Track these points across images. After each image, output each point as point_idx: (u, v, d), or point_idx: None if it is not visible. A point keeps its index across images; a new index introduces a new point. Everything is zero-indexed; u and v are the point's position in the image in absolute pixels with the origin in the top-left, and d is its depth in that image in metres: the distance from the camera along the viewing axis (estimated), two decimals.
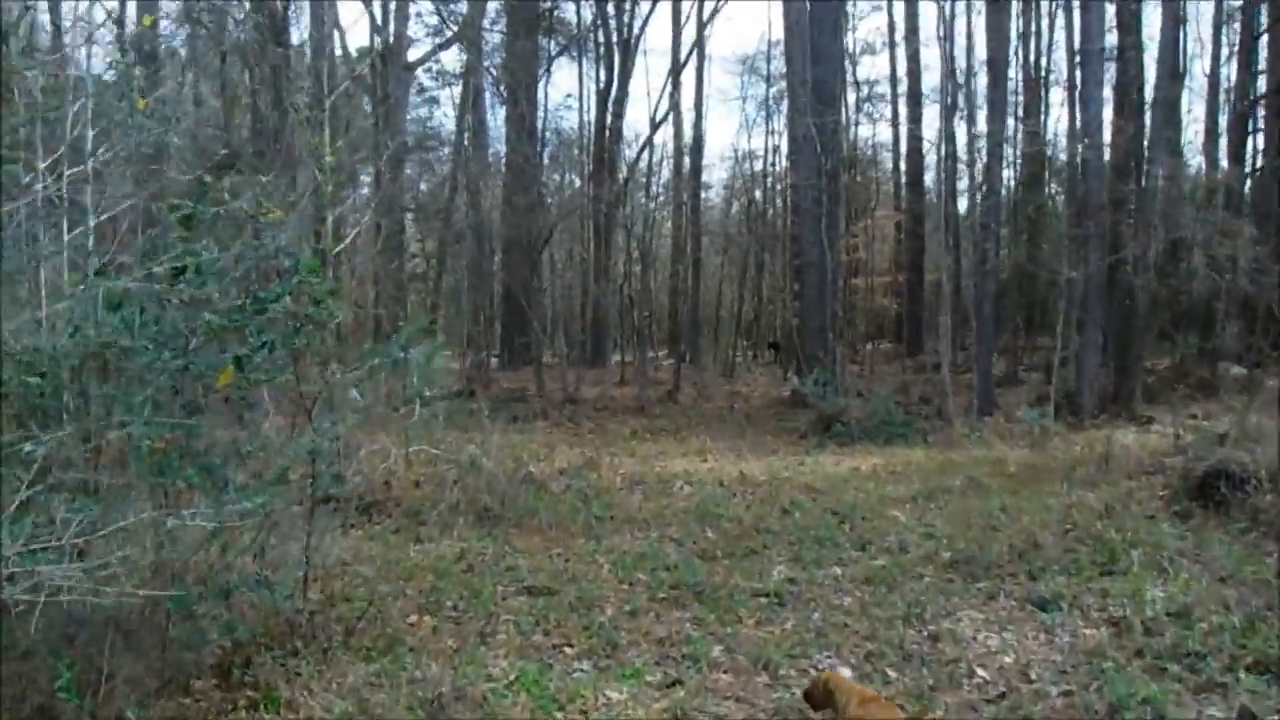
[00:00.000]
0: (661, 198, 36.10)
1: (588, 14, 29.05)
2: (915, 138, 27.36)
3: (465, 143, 23.58)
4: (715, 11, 30.88)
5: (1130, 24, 16.43)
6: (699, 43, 29.62)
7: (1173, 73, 15.54)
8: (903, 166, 33.52)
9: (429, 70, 32.17)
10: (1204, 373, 20.40)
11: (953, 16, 20.06)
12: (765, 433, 14.23)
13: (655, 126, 25.57)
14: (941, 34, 16.82)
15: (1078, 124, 16.60)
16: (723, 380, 24.27)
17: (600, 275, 23.14)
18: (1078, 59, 17.38)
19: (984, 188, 14.22)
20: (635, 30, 28.24)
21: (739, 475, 9.84)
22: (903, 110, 32.28)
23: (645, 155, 29.44)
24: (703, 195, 34.61)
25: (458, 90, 27.75)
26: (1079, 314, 15.76)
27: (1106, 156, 16.22)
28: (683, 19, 25.59)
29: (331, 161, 7.89)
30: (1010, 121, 18.25)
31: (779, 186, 33.88)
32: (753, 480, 9.63)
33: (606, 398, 17.72)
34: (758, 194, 34.55)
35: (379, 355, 7.57)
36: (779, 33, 29.75)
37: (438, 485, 8.17)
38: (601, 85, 26.06)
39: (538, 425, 14.19)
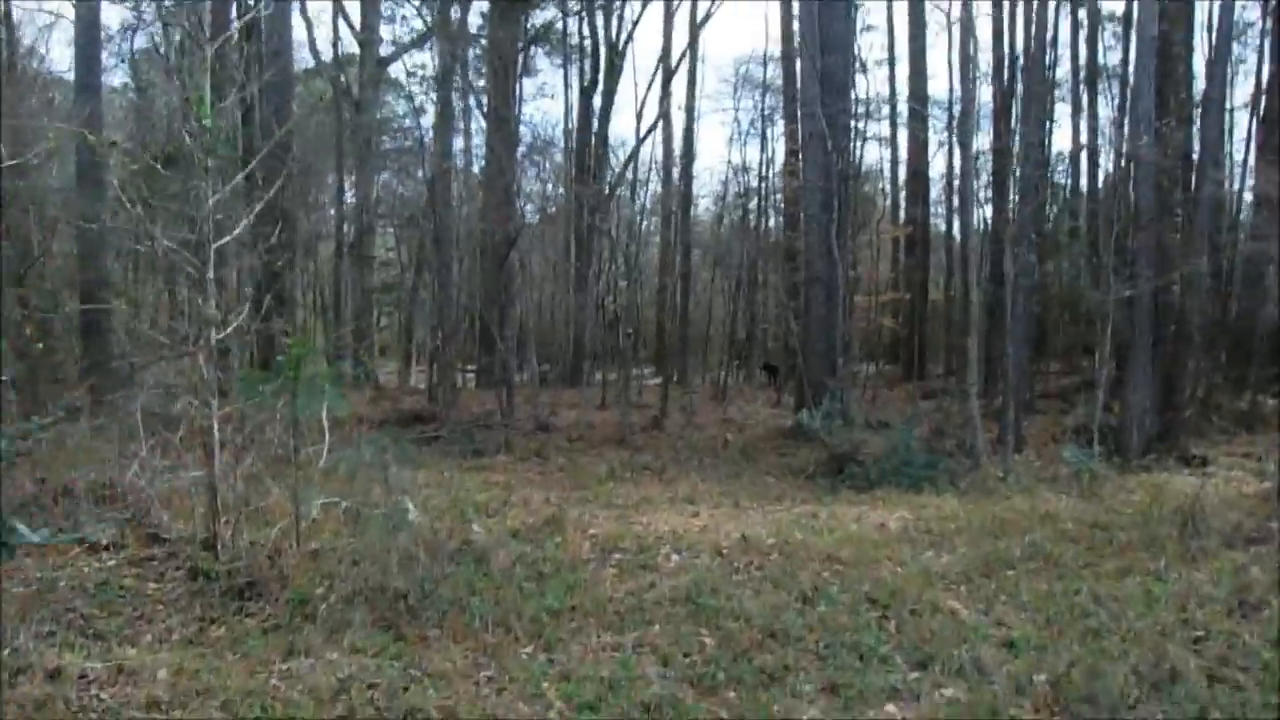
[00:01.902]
0: (649, 208, 34.27)
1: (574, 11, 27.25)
2: (919, 139, 25.40)
3: (427, 138, 21.55)
4: (709, 16, 29.16)
5: (1179, 16, 14.57)
6: (692, 45, 27.83)
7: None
8: (901, 179, 31.78)
9: (415, 76, 30.32)
10: (1238, 404, 18.57)
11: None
12: (766, 472, 12.18)
13: (644, 135, 23.64)
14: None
15: (1082, 136, 14.80)
16: (714, 405, 22.22)
17: (581, 287, 21.10)
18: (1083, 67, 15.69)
19: (1019, 195, 12.23)
20: (623, 33, 26.39)
21: (741, 539, 7.75)
22: (902, 134, 30.63)
23: (633, 164, 27.60)
24: (693, 209, 32.81)
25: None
26: (1124, 339, 13.79)
27: None
28: (674, 23, 23.73)
29: (209, 122, 5.81)
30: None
31: (775, 197, 32.07)
32: (759, 546, 7.55)
33: (584, 424, 15.63)
34: (752, 206, 32.70)
35: (254, 386, 5.58)
36: (775, 40, 28.19)
37: (342, 559, 6.06)
38: (586, 82, 24.08)
39: (499, 460, 12.10)
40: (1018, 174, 12.53)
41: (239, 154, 12.00)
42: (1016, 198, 13.05)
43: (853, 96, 15.00)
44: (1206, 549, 7.61)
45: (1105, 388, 13.34)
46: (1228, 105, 17.91)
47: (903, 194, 31.29)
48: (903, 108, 29.80)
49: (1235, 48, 20.92)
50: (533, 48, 30.85)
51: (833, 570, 6.93)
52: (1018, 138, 12.76)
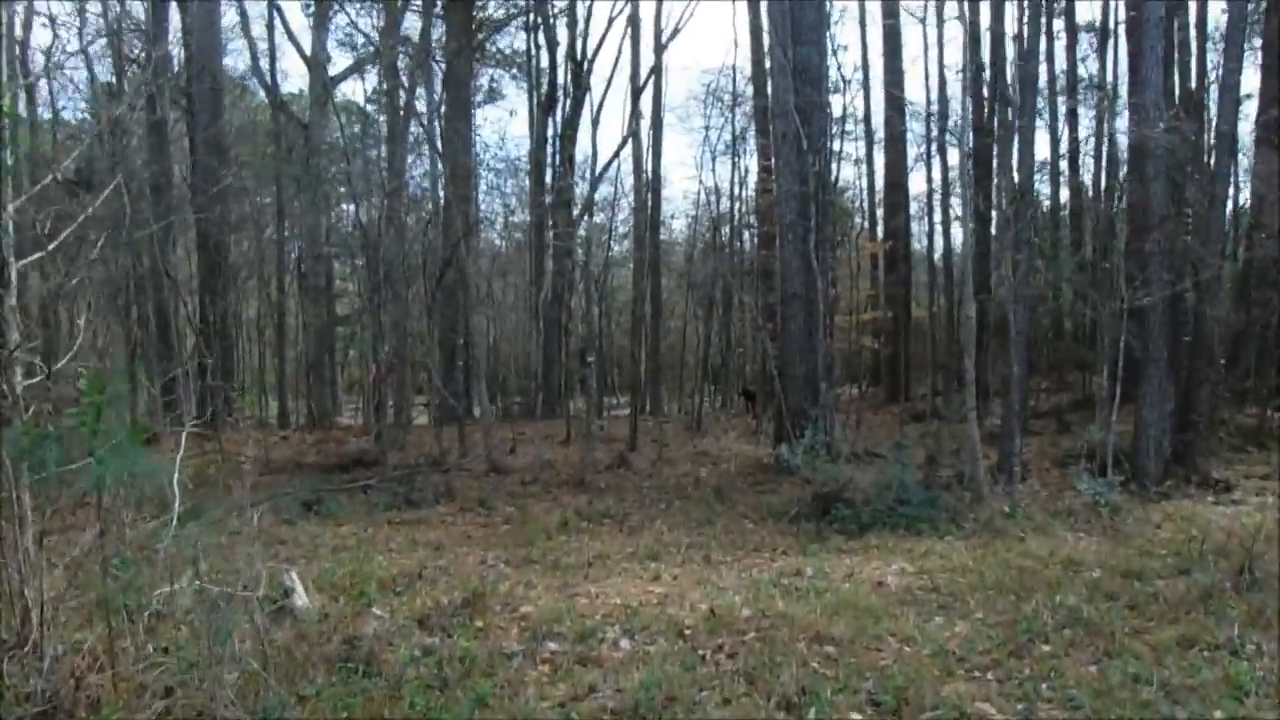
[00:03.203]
0: (620, 230, 32.95)
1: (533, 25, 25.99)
2: (898, 148, 24.26)
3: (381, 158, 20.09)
4: (676, 31, 28.04)
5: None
6: (656, 67, 26.69)
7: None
8: (879, 197, 30.62)
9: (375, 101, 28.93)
10: (1242, 419, 17.33)
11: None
12: (743, 515, 10.70)
13: (613, 156, 22.33)
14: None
15: (1061, 146, 13.62)
16: (688, 435, 20.77)
17: (545, 313, 19.66)
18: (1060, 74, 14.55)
19: (1019, 196, 10.92)
20: (588, 49, 25.18)
21: (709, 613, 6.27)
22: (878, 153, 29.55)
23: (599, 185, 26.28)
24: (666, 231, 31.61)
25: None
26: (1129, 353, 12.47)
27: None
28: (640, 38, 22.47)
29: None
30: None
31: (749, 218, 30.87)
32: (732, 622, 6.08)
33: (541, 464, 14.11)
34: (725, 230, 31.41)
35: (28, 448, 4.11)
36: (746, 47, 27.12)
37: (182, 671, 4.55)
38: (543, 96, 22.78)
39: (437, 511, 10.56)
40: (1015, 169, 11.19)
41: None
42: (1005, 203, 11.71)
43: (826, 90, 13.68)
44: (1273, 605, 6.24)
45: (1112, 406, 12.01)
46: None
47: (880, 210, 30.13)
48: (878, 120, 28.79)
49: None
50: (494, 71, 29.77)
51: (824, 656, 5.47)
52: (1014, 132, 11.45)
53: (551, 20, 24.46)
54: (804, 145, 12.50)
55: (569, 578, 7.41)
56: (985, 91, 22.89)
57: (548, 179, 25.57)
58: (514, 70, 29.98)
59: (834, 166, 27.83)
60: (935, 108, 25.99)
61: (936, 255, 29.35)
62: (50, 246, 5.22)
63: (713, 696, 4.78)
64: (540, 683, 4.99)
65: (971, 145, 13.48)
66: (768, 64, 15.50)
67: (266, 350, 28.16)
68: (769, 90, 15.36)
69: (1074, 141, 26.92)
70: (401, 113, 18.87)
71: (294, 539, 8.69)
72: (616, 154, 24.57)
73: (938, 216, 29.24)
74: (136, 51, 21.34)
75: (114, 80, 20.93)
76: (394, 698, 4.60)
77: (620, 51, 24.35)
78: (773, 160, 14.27)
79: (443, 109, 19.89)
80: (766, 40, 15.93)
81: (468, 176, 19.86)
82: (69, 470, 4.39)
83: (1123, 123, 19.00)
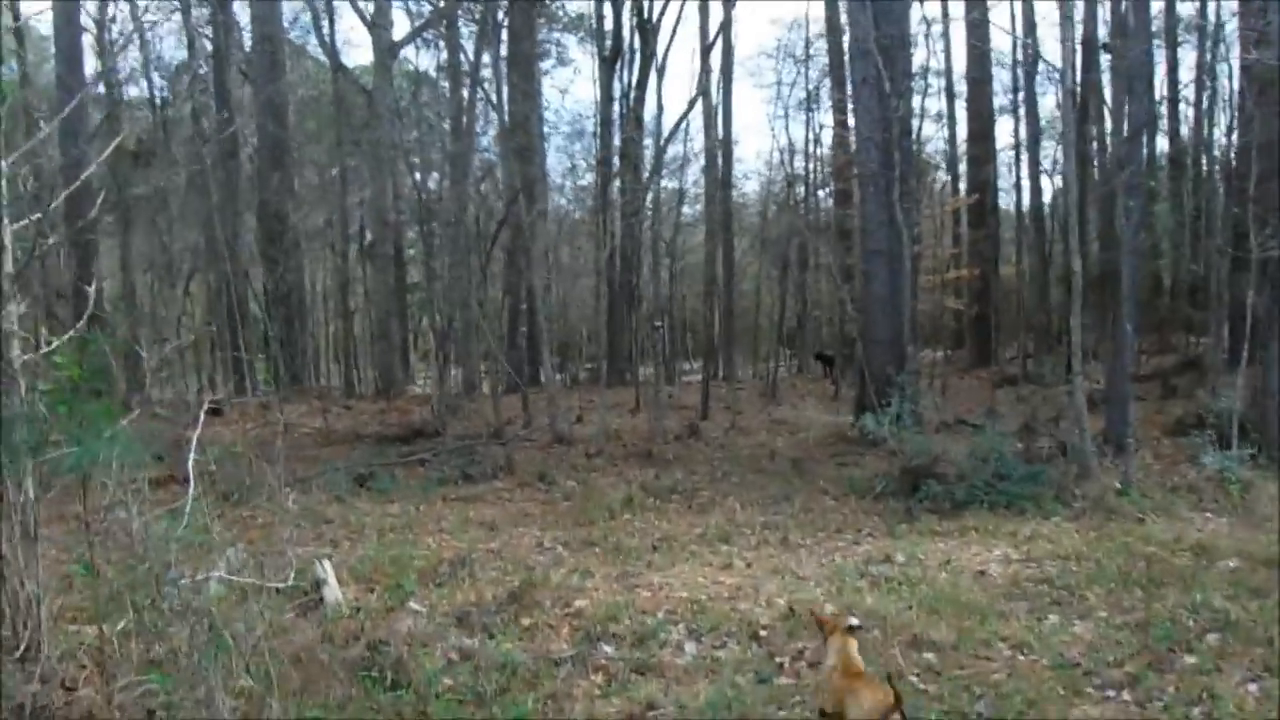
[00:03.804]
0: (691, 193, 31.99)
1: None
2: (983, 94, 22.75)
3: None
4: None
5: None
6: (726, 23, 25.51)
7: None
8: (960, 145, 28.94)
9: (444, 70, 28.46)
10: None
11: None
12: (822, 490, 9.86)
13: (684, 114, 21.36)
14: None
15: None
16: (763, 401, 19.91)
17: (612, 276, 18.94)
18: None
19: (1135, 133, 9.71)
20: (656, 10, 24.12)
21: (787, 610, 5.51)
22: (960, 110, 27.90)
23: (669, 144, 25.31)
24: (737, 192, 30.53)
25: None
26: (1254, 311, 11.17)
27: None
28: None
29: None
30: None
31: (823, 174, 29.61)
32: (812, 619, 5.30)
33: (609, 434, 13.45)
34: (800, 189, 30.17)
35: None
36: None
37: (175, 687, 3.98)
38: (608, 53, 21.89)
39: (494, 486, 9.96)
40: (1127, 103, 9.97)
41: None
42: (1111, 145, 10.49)
43: (909, 27, 12.53)
44: None
45: (1235, 370, 10.78)
46: None
47: (962, 165, 28.50)
48: (958, 73, 27.17)
49: None
50: (560, 34, 29.10)
51: (923, 667, 4.68)
52: (1128, 56, 10.17)
53: None
54: (886, 88, 11.41)
55: (630, 564, 6.72)
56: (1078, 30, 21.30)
57: (614, 139, 24.77)
58: (580, 34, 29.23)
59: (916, 117, 26.48)
60: (1021, 53, 24.41)
61: (1024, 208, 27.79)
62: (36, 215, 4.65)
63: (791, 717, 4.04)
64: (591, 696, 4.32)
65: (1078, 82, 12.17)
66: (842, 11, 14.35)
67: (333, 319, 28.04)
68: (846, 31, 14.24)
69: (1174, 85, 24.95)
70: (466, 69, 18.20)
71: (341, 518, 8.19)
72: (686, 114, 23.56)
73: (1024, 170, 27.51)
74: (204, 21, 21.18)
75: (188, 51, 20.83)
76: (420, 715, 3.97)
77: (682, 3, 23.16)
78: (850, 107, 13.19)
79: (503, 65, 19.17)
80: None
81: (528, 131, 19.13)
82: (50, 456, 3.84)
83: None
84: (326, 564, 5.49)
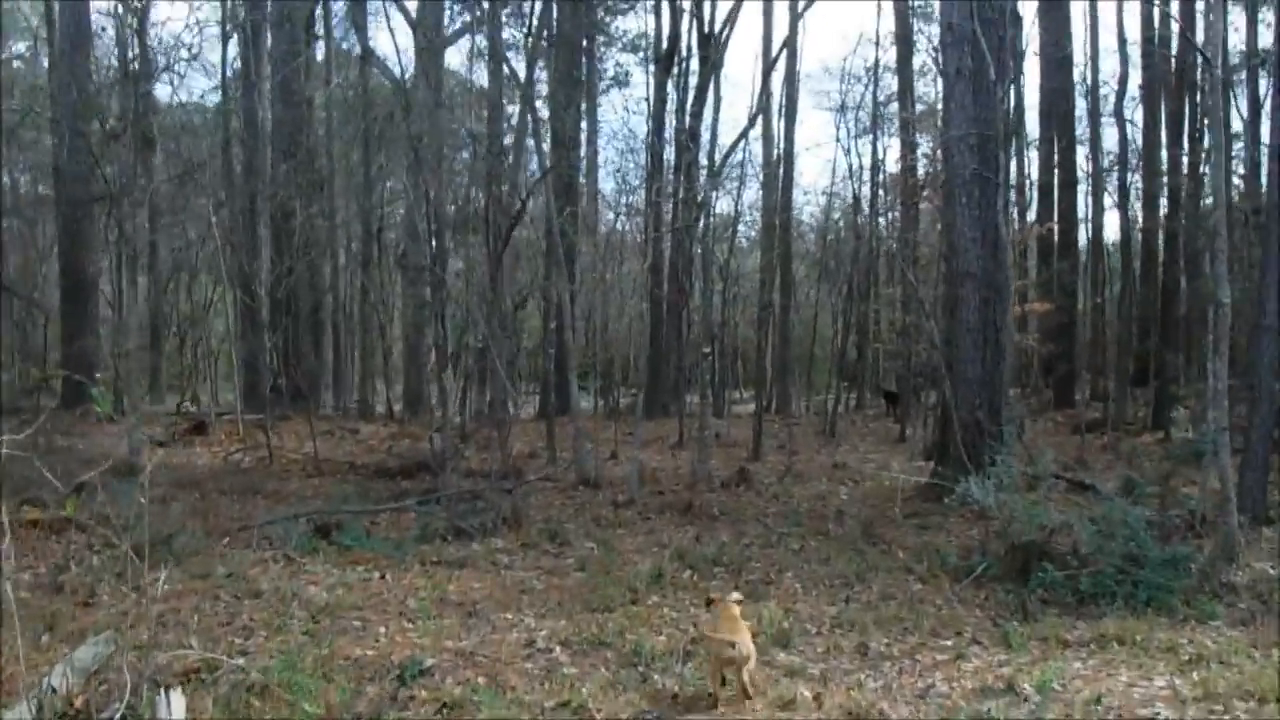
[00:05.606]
0: (747, 215, 30.31)
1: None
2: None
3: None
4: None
5: None
6: (790, 39, 23.81)
7: None
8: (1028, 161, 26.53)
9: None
10: None
11: None
12: (905, 568, 7.84)
13: (744, 130, 19.66)
14: None
15: None
16: (820, 441, 17.91)
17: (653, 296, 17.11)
18: None
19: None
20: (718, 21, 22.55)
21: None
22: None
23: (726, 164, 23.61)
24: (796, 215, 28.75)
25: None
26: None
27: None
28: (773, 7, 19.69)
29: None
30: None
31: (888, 198, 27.56)
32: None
33: (644, 475, 11.57)
34: (865, 211, 28.16)
35: None
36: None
37: None
38: (663, 54, 20.25)
39: (491, 545, 8.09)
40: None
41: None
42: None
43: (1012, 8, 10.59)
44: None
45: None
46: None
47: (1033, 191, 26.12)
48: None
49: None
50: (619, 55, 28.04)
51: None
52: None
53: None
54: (991, 75, 9.47)
55: (650, 682, 4.81)
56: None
57: (668, 155, 23.15)
58: (640, 55, 27.99)
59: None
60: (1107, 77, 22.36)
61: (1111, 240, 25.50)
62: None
63: None
64: None
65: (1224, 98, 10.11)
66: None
67: (359, 333, 26.44)
68: (938, 13, 12.34)
69: None
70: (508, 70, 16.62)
71: (272, 589, 6.36)
72: (745, 133, 21.88)
73: (1107, 199, 25.26)
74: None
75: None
76: None
77: (734, 14, 21.49)
78: (942, 105, 11.26)
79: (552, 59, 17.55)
80: None
81: (574, 137, 17.49)
82: None
83: None
84: (176, 698, 3.68)
